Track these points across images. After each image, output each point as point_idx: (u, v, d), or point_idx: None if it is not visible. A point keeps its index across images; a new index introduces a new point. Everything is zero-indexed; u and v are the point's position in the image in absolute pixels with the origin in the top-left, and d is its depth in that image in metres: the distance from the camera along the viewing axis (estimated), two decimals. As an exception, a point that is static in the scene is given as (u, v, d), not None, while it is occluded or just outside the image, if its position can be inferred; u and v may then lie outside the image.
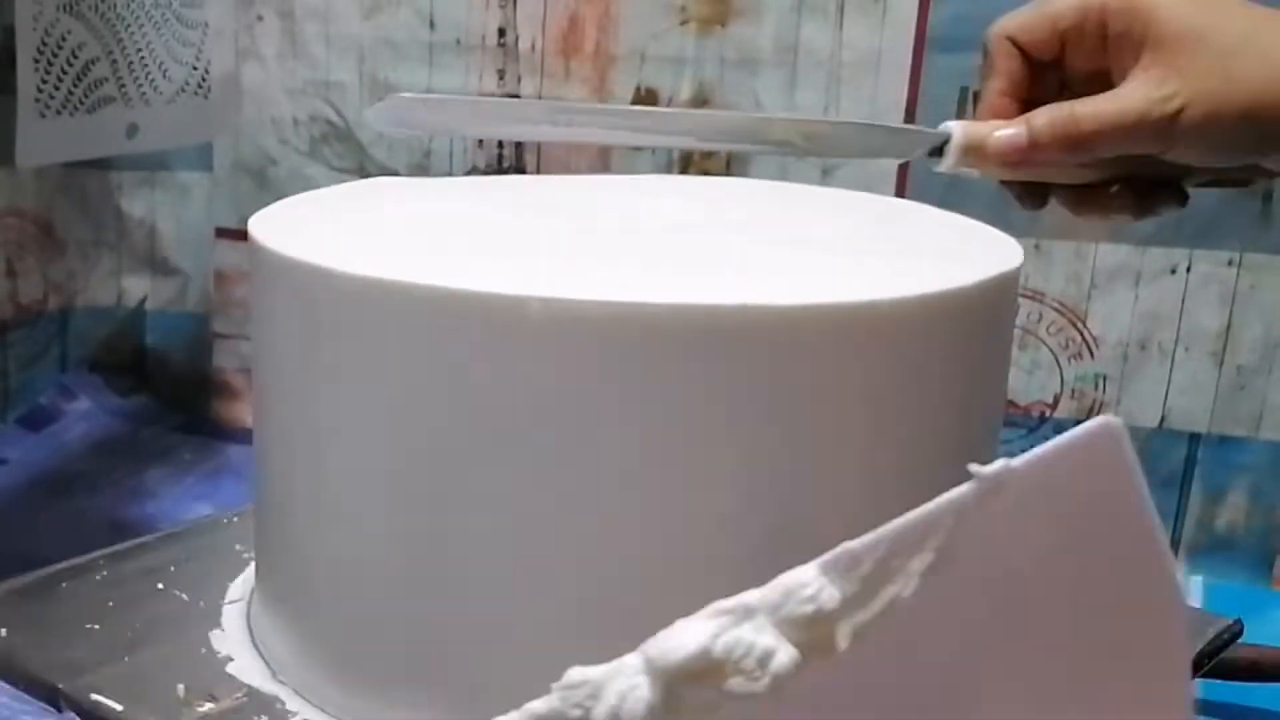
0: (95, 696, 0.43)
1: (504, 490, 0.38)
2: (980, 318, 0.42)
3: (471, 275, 0.37)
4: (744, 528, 0.38)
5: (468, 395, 0.37)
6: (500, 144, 0.91)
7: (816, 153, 0.61)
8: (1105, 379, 0.85)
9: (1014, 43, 0.49)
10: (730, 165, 0.88)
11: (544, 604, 0.38)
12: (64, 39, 0.74)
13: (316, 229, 0.45)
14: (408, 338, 0.38)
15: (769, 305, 0.37)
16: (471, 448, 0.38)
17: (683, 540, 0.38)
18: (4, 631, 0.47)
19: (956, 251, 0.48)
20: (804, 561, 0.31)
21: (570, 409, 0.37)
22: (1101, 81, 0.47)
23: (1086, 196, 0.52)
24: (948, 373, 0.41)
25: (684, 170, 0.88)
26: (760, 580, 0.34)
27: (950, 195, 0.86)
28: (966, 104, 0.84)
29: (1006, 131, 0.47)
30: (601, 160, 0.89)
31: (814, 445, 0.38)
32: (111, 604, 0.49)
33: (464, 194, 0.54)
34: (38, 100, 0.73)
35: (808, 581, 0.29)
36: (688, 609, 0.30)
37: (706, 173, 0.89)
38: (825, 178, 0.86)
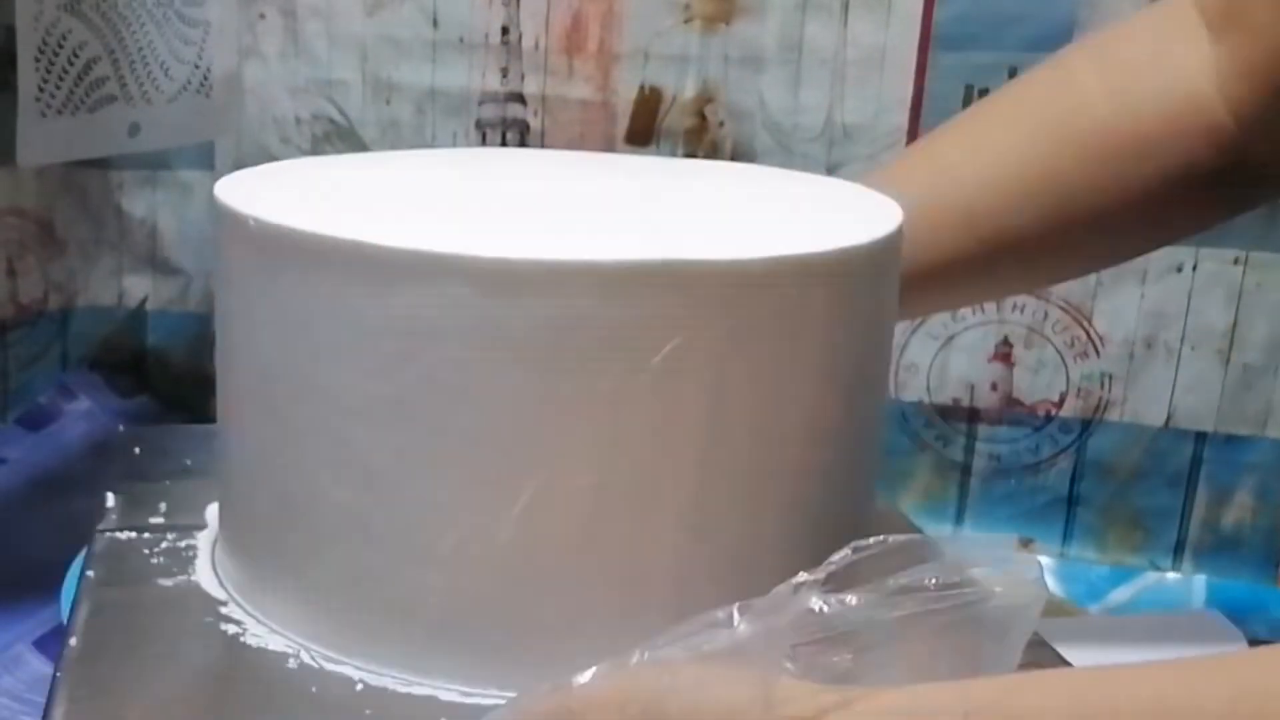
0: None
1: (432, 445, 0.40)
2: (857, 279, 0.43)
3: (390, 232, 0.39)
4: (644, 484, 0.40)
5: (380, 346, 0.40)
6: (504, 137, 0.91)
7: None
8: (1111, 378, 0.85)
9: None
10: (734, 159, 0.87)
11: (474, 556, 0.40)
12: (65, 38, 0.74)
13: (276, 194, 0.46)
14: (342, 291, 0.40)
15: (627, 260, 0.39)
16: (396, 400, 0.40)
17: (592, 494, 0.40)
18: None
19: (840, 218, 0.49)
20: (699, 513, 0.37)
21: (479, 359, 0.39)
22: None
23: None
24: (826, 332, 0.42)
25: (690, 157, 0.88)
26: (663, 531, 0.39)
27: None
28: (971, 102, 0.84)
29: None
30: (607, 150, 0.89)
31: (695, 404, 0.40)
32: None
33: (414, 165, 0.56)
34: (38, 99, 0.72)
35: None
36: (596, 559, 0.37)
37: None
38: (829, 175, 0.86)
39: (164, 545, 0.49)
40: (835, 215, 0.49)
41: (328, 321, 0.40)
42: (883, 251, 0.43)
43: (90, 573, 0.47)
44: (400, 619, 0.41)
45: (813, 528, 0.44)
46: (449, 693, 0.41)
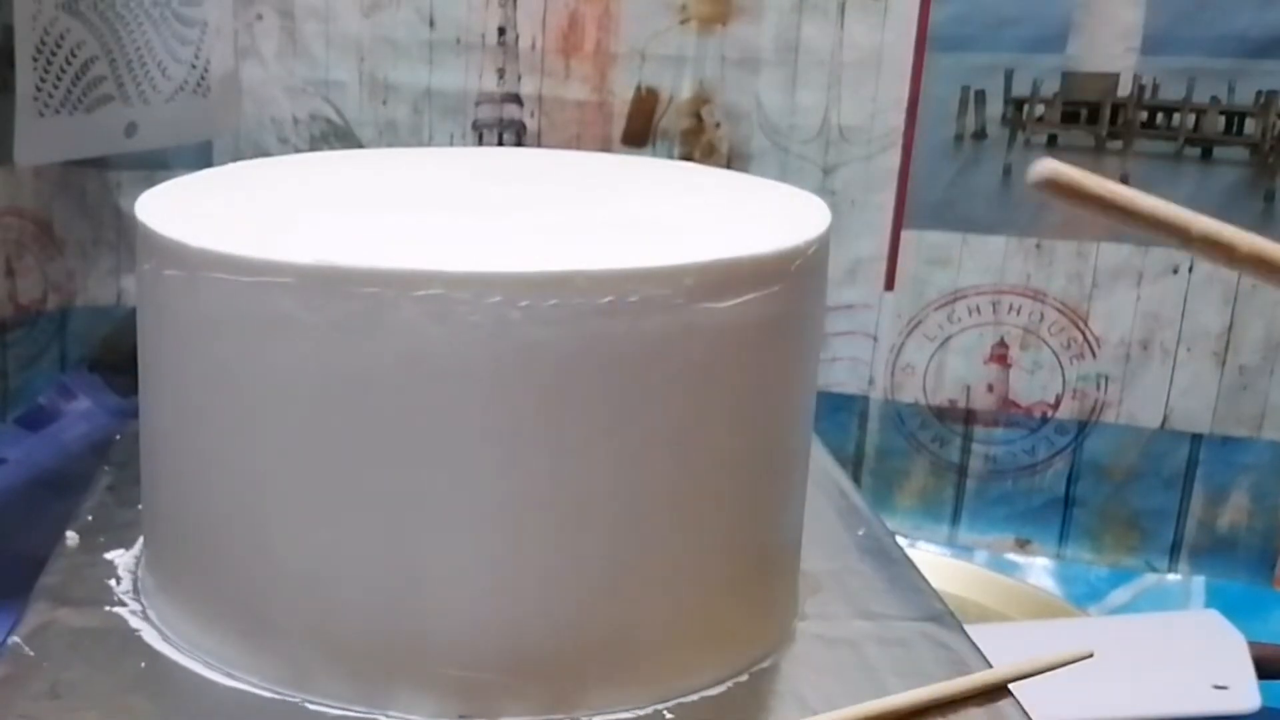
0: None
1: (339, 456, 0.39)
2: (788, 282, 0.42)
3: (351, 252, 0.39)
4: (577, 494, 0.39)
5: (296, 363, 0.39)
6: (500, 137, 0.91)
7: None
8: (1107, 379, 0.85)
9: None
10: (731, 162, 0.88)
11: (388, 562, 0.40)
12: (63, 38, 0.74)
13: (198, 209, 0.46)
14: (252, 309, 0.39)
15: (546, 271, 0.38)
16: (306, 416, 0.39)
17: (528, 506, 0.39)
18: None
19: (775, 215, 0.48)
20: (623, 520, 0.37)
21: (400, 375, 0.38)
22: None
23: None
24: (757, 336, 0.41)
25: (687, 158, 0.88)
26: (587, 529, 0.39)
27: (952, 192, 0.86)
28: (969, 104, 0.84)
29: None
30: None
31: (622, 412, 0.39)
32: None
33: (342, 166, 0.56)
34: (36, 99, 0.72)
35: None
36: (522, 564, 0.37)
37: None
38: (826, 177, 0.86)
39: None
40: (759, 223, 0.47)
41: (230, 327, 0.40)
42: (786, 260, 0.42)
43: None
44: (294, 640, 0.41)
45: (735, 544, 0.43)
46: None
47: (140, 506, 0.49)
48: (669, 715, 0.41)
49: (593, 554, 0.40)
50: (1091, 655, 0.42)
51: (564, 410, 0.38)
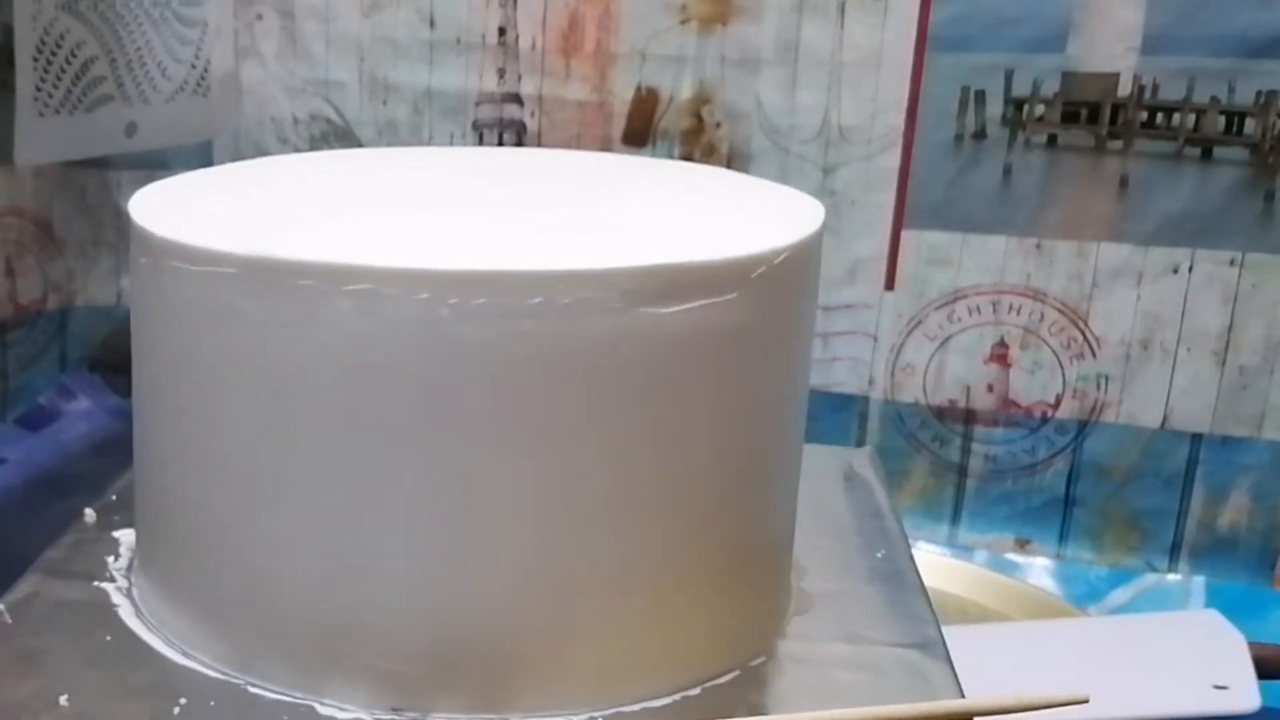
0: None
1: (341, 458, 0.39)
2: (778, 282, 0.42)
3: (291, 245, 0.39)
4: (571, 493, 0.39)
5: (289, 364, 0.39)
6: (500, 137, 0.91)
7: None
8: (1107, 379, 0.85)
9: None
10: (731, 162, 0.88)
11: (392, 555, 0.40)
12: (63, 37, 0.74)
13: (185, 204, 0.46)
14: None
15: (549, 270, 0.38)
16: (305, 418, 0.39)
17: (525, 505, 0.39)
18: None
19: (760, 219, 0.47)
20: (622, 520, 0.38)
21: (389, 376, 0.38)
22: None
23: None
24: (746, 336, 0.41)
25: (687, 158, 0.88)
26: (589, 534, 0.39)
27: (952, 192, 0.86)
28: (969, 104, 0.84)
29: None
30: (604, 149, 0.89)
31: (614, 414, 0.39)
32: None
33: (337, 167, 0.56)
34: (36, 99, 0.72)
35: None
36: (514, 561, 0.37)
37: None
38: (826, 177, 0.86)
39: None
40: (738, 227, 0.47)
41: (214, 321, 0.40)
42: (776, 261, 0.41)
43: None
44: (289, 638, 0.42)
45: (681, 553, 0.42)
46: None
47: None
48: (600, 721, 0.41)
49: (520, 551, 0.40)
50: (1087, 700, 0.40)
51: (491, 409, 0.38)
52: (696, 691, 0.43)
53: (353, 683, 0.40)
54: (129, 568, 0.48)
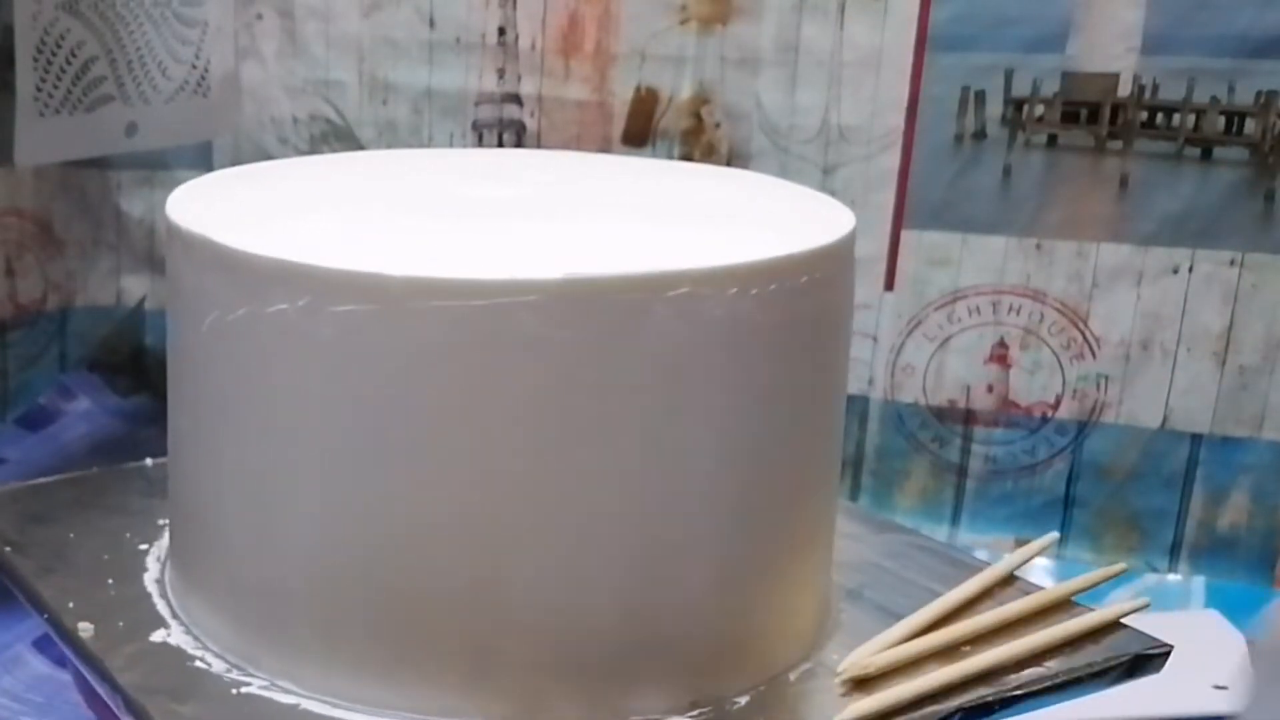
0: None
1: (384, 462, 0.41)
2: (813, 285, 0.44)
3: (326, 252, 0.41)
4: (611, 494, 0.41)
5: (335, 367, 0.41)
6: (500, 137, 0.91)
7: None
8: (1107, 379, 0.85)
9: None
10: (731, 162, 0.88)
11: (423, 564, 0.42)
12: (63, 38, 0.74)
13: (225, 207, 0.48)
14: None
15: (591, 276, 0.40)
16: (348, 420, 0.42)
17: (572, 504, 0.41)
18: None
19: (792, 222, 0.49)
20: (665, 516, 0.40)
21: (425, 380, 0.40)
22: None
23: None
24: (782, 340, 0.43)
25: (687, 158, 0.88)
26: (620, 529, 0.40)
27: (952, 192, 0.86)
28: (968, 104, 0.84)
29: None
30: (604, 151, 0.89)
31: (655, 411, 0.41)
32: (72, 535, 0.57)
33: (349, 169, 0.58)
34: (36, 99, 0.73)
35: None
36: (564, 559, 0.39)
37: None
38: (826, 177, 0.86)
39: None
40: (780, 225, 0.49)
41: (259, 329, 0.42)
42: (811, 261, 0.44)
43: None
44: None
45: (769, 529, 0.44)
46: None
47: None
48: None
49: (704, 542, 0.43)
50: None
51: (479, 419, 0.40)
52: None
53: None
54: None
